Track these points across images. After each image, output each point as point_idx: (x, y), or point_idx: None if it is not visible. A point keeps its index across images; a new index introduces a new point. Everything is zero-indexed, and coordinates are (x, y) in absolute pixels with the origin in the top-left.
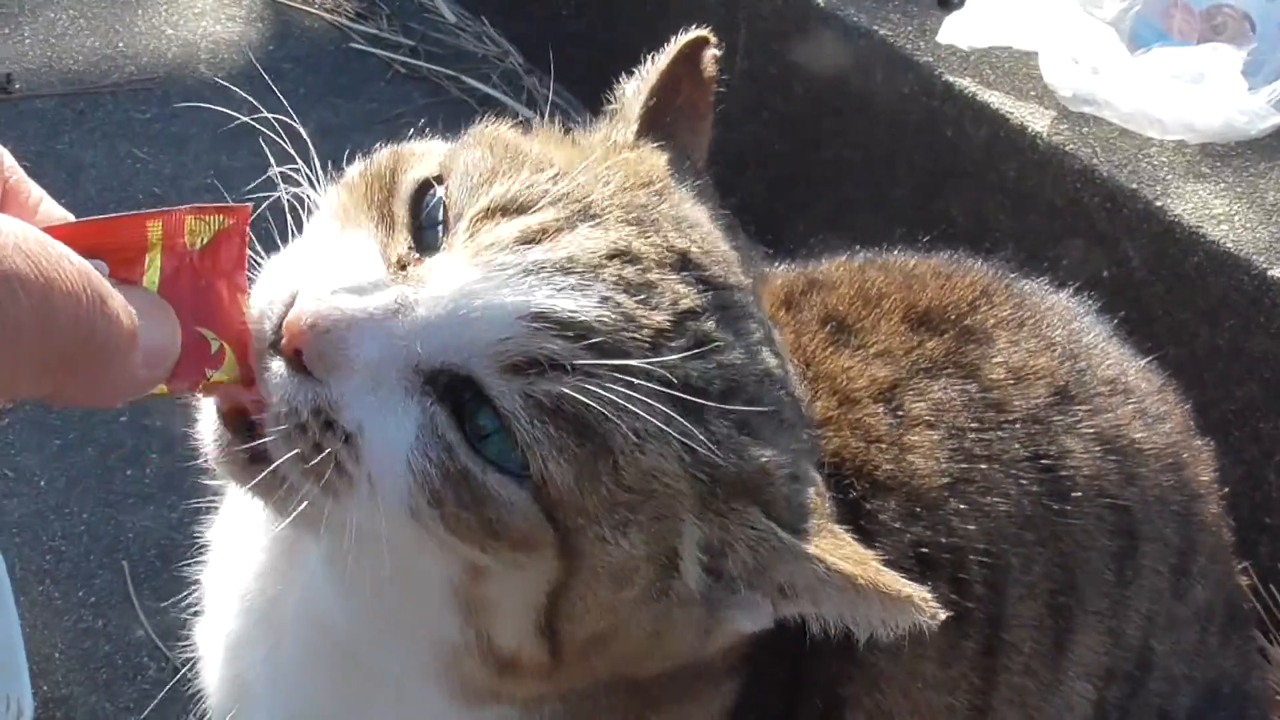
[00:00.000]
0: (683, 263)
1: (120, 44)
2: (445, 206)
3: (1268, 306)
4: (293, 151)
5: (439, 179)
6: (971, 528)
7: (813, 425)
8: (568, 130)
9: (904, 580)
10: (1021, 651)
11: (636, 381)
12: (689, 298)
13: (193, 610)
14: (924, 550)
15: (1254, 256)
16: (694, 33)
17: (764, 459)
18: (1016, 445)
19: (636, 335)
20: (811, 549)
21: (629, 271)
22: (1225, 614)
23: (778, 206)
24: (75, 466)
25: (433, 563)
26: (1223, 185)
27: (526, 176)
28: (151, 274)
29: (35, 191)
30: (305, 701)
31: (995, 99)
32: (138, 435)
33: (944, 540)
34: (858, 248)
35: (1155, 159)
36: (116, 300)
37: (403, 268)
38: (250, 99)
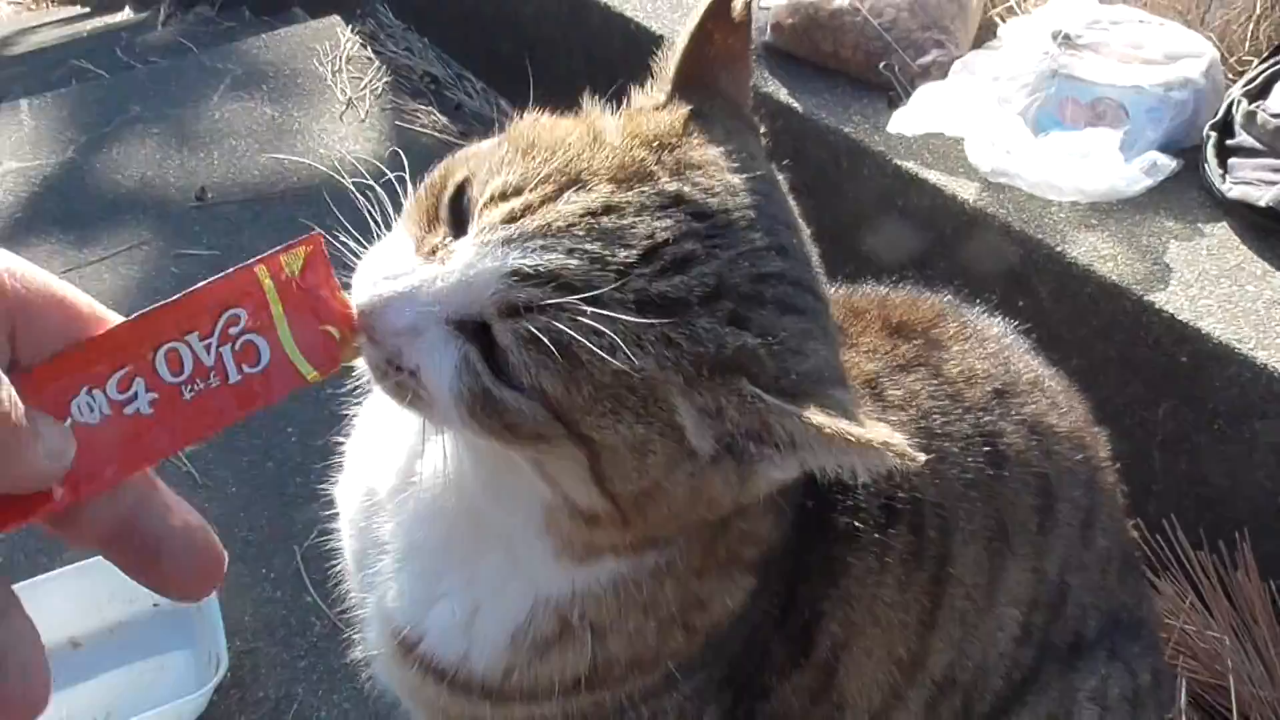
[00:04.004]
0: (673, 202)
1: (285, 162)
2: (469, 201)
3: (1145, 324)
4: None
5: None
6: (929, 487)
7: (821, 296)
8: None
9: (880, 430)
10: (963, 582)
11: (601, 306)
12: (667, 230)
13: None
14: (892, 502)
15: (1134, 286)
16: None
17: (744, 339)
18: (965, 427)
19: (603, 271)
20: (791, 406)
21: (605, 221)
22: (1121, 559)
23: None
24: (258, 476)
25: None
26: (1108, 233)
27: (524, 165)
28: (277, 310)
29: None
30: (424, 547)
31: (933, 176)
32: (305, 452)
33: (907, 495)
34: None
35: (1056, 216)
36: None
37: (434, 253)
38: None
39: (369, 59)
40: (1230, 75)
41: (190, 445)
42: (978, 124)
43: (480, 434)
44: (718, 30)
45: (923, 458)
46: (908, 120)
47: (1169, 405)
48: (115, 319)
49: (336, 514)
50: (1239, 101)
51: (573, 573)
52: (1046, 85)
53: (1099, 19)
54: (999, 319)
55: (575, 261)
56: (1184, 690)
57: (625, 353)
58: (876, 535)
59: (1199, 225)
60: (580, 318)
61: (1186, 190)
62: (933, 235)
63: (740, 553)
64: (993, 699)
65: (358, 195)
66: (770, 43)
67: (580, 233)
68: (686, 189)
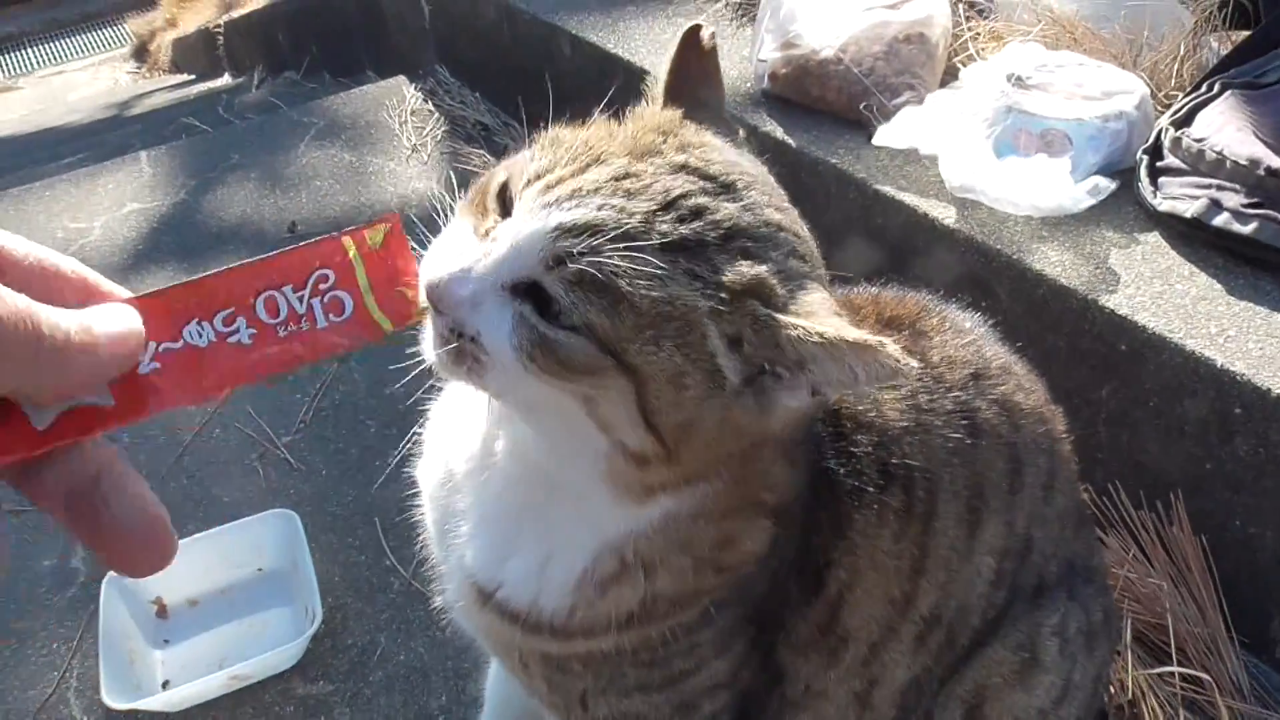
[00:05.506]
0: (682, 168)
1: (362, 199)
2: (510, 193)
3: (1090, 319)
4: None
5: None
6: (918, 455)
7: (817, 258)
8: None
9: (876, 336)
10: (947, 535)
11: (634, 247)
12: (681, 187)
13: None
14: (887, 468)
15: (1079, 287)
16: (688, 24)
17: (758, 270)
18: (948, 404)
19: (629, 219)
20: (792, 318)
21: (626, 183)
22: (1076, 516)
23: None
24: (345, 461)
25: (562, 399)
26: (1057, 243)
27: (553, 153)
28: (360, 274)
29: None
30: (498, 515)
31: (908, 197)
32: (384, 441)
33: (900, 461)
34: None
35: (1014, 228)
36: (44, 317)
37: (486, 234)
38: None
39: (430, 111)
40: (1159, 107)
41: (283, 372)
42: (949, 147)
43: (540, 376)
44: (692, 57)
45: (916, 364)
46: (891, 135)
47: (1111, 387)
48: (101, 283)
49: (418, 491)
50: (1166, 129)
51: (631, 514)
52: (1003, 119)
53: (1046, 63)
54: (972, 314)
55: (606, 213)
56: (1129, 629)
57: (660, 282)
58: (876, 494)
59: (1134, 235)
60: (615, 257)
61: (1123, 206)
62: (908, 247)
63: (760, 497)
64: (972, 633)
65: (419, 223)
66: (767, 89)
67: (607, 192)
68: (691, 159)
